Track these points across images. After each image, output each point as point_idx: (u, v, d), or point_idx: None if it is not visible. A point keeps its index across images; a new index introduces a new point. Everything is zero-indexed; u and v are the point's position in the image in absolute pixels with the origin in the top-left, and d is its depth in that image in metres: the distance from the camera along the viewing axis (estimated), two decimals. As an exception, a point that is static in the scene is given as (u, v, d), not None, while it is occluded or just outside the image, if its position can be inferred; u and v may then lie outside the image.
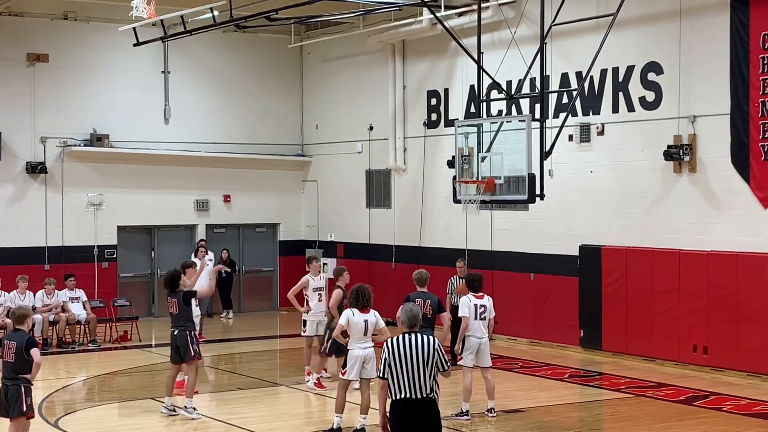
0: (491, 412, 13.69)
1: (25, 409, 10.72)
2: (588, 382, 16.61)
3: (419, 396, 8.84)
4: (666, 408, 14.46)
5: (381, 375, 8.99)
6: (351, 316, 12.48)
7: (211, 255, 24.02)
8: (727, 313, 16.66)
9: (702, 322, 17.02)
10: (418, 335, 8.98)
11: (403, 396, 8.85)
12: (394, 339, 8.99)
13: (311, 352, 16.31)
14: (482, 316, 13.68)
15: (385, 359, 8.92)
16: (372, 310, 12.61)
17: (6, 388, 10.79)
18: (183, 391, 14.16)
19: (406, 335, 8.99)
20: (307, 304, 16.26)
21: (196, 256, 20.17)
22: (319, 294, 16.29)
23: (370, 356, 12.57)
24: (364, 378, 12.65)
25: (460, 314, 13.79)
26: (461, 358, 13.81)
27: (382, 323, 12.68)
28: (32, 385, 10.86)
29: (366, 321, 12.51)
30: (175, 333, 14.00)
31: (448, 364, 9.01)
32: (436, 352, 8.89)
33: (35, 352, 10.69)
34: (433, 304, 13.54)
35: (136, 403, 15.15)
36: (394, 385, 8.88)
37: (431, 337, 9.00)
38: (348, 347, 12.61)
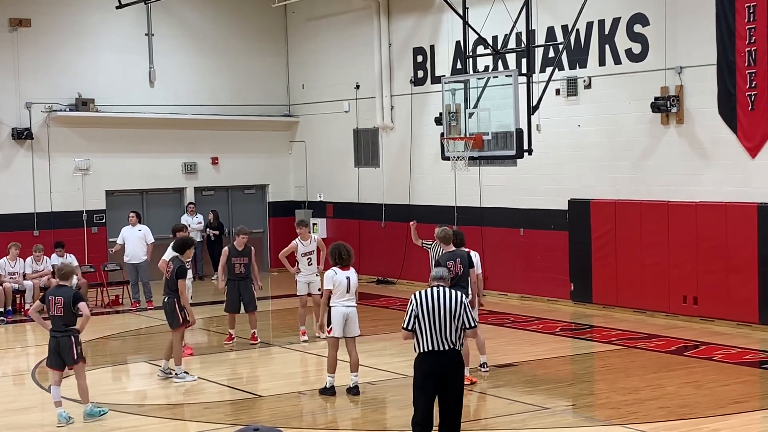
0: (484, 367, 13.75)
1: (76, 357, 11.58)
2: (579, 335, 16.70)
3: (447, 348, 8.94)
4: (657, 359, 14.54)
5: (406, 327, 9.05)
6: (334, 275, 12.52)
7: (200, 218, 24.05)
8: (716, 263, 16.73)
9: (691, 272, 17.09)
10: (446, 289, 9.10)
11: (431, 348, 8.94)
12: (422, 292, 9.10)
13: (305, 312, 16.34)
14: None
15: (413, 311, 9.00)
16: (351, 268, 12.66)
17: (56, 341, 11.61)
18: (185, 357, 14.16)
19: (434, 288, 9.10)
20: (297, 266, 16.27)
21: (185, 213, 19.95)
22: (308, 258, 16.24)
23: (352, 315, 12.60)
24: (348, 336, 12.66)
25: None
26: None
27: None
28: (80, 334, 11.68)
29: (348, 278, 12.58)
30: (165, 300, 13.84)
31: (476, 322, 9.14)
32: (463, 307, 8.99)
33: (83, 306, 11.51)
34: (463, 261, 12.94)
35: (129, 367, 15.18)
36: (424, 337, 8.96)
37: (458, 292, 9.12)
38: (331, 304, 12.60)
